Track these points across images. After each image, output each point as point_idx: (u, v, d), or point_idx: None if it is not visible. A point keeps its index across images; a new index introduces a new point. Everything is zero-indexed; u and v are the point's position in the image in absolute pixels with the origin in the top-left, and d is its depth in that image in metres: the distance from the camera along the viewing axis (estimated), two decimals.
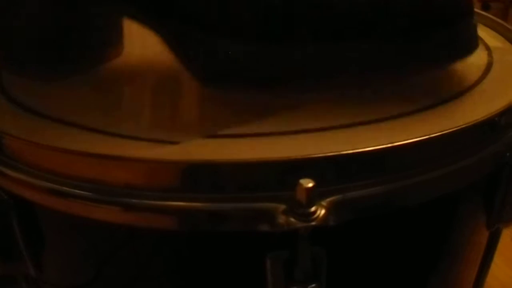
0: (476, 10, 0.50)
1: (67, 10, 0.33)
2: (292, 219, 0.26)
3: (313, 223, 0.26)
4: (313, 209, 0.26)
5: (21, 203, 0.32)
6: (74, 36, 0.34)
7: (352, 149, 0.27)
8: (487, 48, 0.42)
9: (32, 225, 0.33)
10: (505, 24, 0.46)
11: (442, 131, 0.29)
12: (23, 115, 0.33)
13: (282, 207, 0.26)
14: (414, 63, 0.31)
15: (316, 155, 0.27)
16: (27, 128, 0.32)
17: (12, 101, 0.35)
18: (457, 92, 0.34)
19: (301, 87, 0.31)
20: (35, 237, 0.34)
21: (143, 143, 0.30)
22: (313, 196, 0.26)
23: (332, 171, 0.27)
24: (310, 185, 0.25)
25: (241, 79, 0.30)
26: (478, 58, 0.40)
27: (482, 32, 0.45)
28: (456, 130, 0.30)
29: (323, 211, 0.26)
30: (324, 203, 0.26)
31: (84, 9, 0.34)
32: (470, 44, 0.33)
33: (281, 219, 0.26)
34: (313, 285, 0.28)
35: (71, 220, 0.31)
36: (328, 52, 0.29)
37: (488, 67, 0.38)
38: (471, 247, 0.38)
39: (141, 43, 0.40)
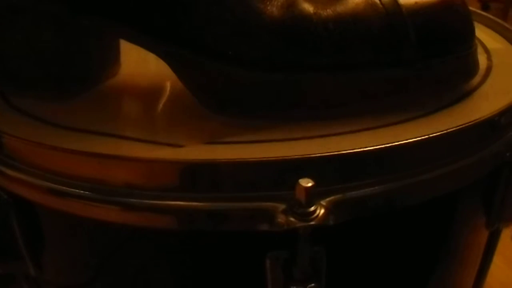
0: (476, 10, 0.50)
1: (69, 38, 0.33)
2: (292, 219, 0.26)
3: (313, 222, 0.26)
4: (312, 208, 0.26)
5: (20, 203, 0.32)
6: (75, 59, 0.34)
7: (352, 149, 0.27)
8: (486, 51, 0.42)
9: (31, 224, 0.33)
10: (504, 24, 0.46)
11: (442, 131, 0.29)
12: (23, 119, 0.33)
13: (282, 206, 0.26)
14: (426, 89, 0.32)
15: (315, 155, 0.27)
16: (27, 128, 0.32)
17: (12, 107, 0.35)
18: (457, 97, 0.34)
19: (314, 115, 0.31)
20: (35, 237, 0.34)
21: (143, 144, 0.30)
22: (313, 196, 0.26)
23: (332, 170, 0.27)
24: (310, 184, 0.25)
25: (249, 107, 0.30)
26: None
27: (482, 33, 0.45)
28: (455, 130, 0.30)
29: (322, 211, 0.26)
30: (323, 202, 0.26)
31: (86, 36, 0.34)
32: (474, 68, 0.34)
33: (281, 218, 0.26)
34: (313, 284, 0.28)
35: (70, 220, 0.31)
36: (343, 82, 0.30)
37: (488, 71, 0.38)
38: (471, 246, 0.38)
39: (137, 56, 0.40)
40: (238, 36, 0.28)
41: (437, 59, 0.31)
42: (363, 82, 0.30)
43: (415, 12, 0.30)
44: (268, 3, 0.29)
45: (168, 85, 0.37)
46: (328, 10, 0.29)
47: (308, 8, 0.29)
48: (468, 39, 0.33)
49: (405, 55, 0.30)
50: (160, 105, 0.35)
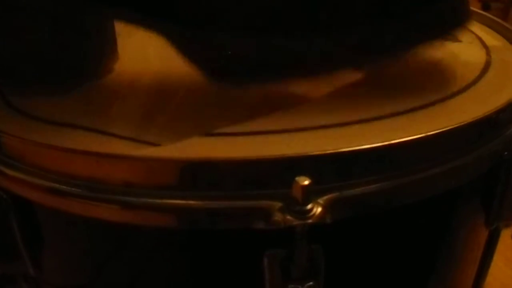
0: (476, 10, 0.50)
1: (67, 29, 0.34)
2: (289, 217, 0.26)
3: (310, 220, 0.26)
4: (309, 206, 0.26)
5: (20, 202, 0.32)
6: (72, 54, 0.35)
7: (349, 147, 0.27)
8: (486, 47, 0.42)
9: (31, 224, 0.34)
10: (505, 24, 0.46)
11: (440, 129, 0.29)
12: (22, 118, 0.33)
13: (279, 204, 0.26)
14: (417, 37, 0.33)
15: (312, 153, 0.27)
16: (26, 127, 0.32)
17: (11, 107, 0.35)
18: (455, 91, 0.34)
19: (306, 76, 0.32)
20: (34, 237, 0.34)
21: (141, 143, 0.30)
22: (310, 194, 0.26)
23: (329, 168, 0.27)
24: (306, 182, 0.25)
25: (246, 72, 0.31)
26: (476, 58, 0.40)
27: (482, 31, 0.45)
28: (453, 128, 0.30)
29: (319, 209, 0.26)
30: (320, 200, 0.26)
31: (83, 24, 0.34)
32: (466, 13, 0.35)
33: (278, 216, 0.26)
34: (311, 282, 0.28)
35: (70, 219, 0.31)
36: (330, 42, 0.30)
37: (486, 66, 0.38)
38: (470, 246, 0.38)
39: (134, 52, 0.40)
40: (234, 6, 0.30)
41: (426, 7, 0.32)
42: (353, 40, 0.31)
43: None
44: None
45: (165, 82, 0.37)
46: None
47: None
48: None
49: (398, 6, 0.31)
50: (157, 101, 0.35)
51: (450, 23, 0.34)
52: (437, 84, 0.36)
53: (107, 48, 0.38)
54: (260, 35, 0.30)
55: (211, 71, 0.32)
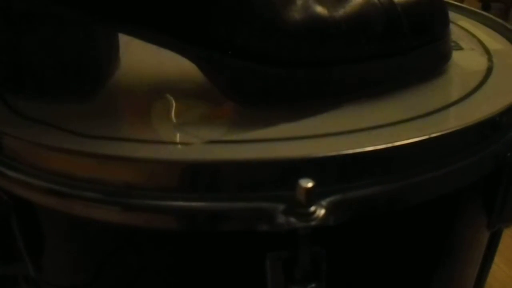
0: (476, 10, 0.50)
1: (85, 39, 0.35)
2: (292, 219, 0.26)
3: (313, 223, 0.26)
4: (312, 209, 0.26)
5: (21, 204, 0.32)
6: (89, 59, 0.36)
7: (352, 149, 0.27)
8: (487, 52, 0.42)
9: (32, 225, 0.33)
10: (505, 24, 0.46)
11: (443, 131, 0.29)
12: (23, 120, 0.33)
13: (282, 207, 0.26)
14: (414, 75, 0.36)
15: (316, 155, 0.27)
16: (27, 129, 0.32)
17: (12, 109, 0.35)
18: (457, 98, 0.34)
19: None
20: (35, 238, 0.34)
21: (143, 144, 0.30)
22: (313, 196, 0.26)
23: (332, 171, 0.27)
24: (310, 185, 0.25)
25: (273, 99, 0.33)
26: (478, 64, 0.40)
27: (482, 33, 0.45)
28: (456, 130, 0.29)
29: (323, 211, 0.26)
30: (324, 203, 0.26)
31: (99, 37, 0.36)
32: (450, 52, 0.39)
33: (281, 219, 0.26)
34: (313, 285, 0.28)
35: (70, 221, 0.31)
36: (350, 72, 0.34)
37: (488, 72, 0.38)
38: (472, 247, 0.38)
39: (135, 54, 0.40)
40: (265, 37, 0.32)
41: (424, 46, 0.36)
42: (366, 71, 0.34)
43: (406, 6, 0.35)
44: (289, 8, 0.32)
45: (166, 85, 0.37)
46: (339, 11, 0.33)
47: (323, 11, 0.33)
48: (446, 27, 0.38)
49: (400, 45, 0.35)
50: (159, 105, 0.35)
51: (439, 61, 0.38)
52: (439, 92, 0.36)
53: (113, 53, 0.38)
54: (286, 66, 0.32)
55: (232, 95, 0.34)
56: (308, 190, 0.25)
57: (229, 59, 0.32)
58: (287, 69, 0.32)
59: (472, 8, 0.51)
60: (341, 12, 0.33)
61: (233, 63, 0.32)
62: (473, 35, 0.45)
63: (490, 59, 0.40)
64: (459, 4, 0.51)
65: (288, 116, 0.32)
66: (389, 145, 0.28)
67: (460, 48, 0.43)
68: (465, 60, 0.40)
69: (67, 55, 0.34)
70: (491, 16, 0.48)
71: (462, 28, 0.47)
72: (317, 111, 0.33)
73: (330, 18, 0.33)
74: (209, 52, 0.32)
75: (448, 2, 0.50)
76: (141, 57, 0.40)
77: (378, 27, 0.34)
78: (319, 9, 0.33)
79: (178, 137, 0.30)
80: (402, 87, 0.36)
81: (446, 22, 0.37)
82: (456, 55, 0.41)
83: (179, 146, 0.29)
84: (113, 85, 0.37)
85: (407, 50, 0.35)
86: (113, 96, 0.36)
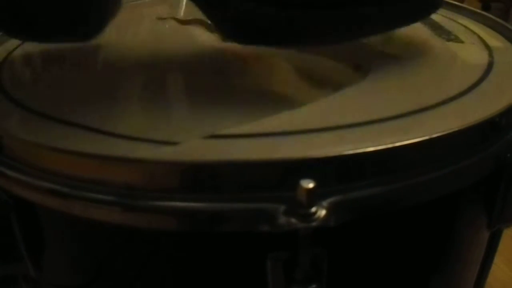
0: (476, 10, 0.50)
1: None
2: (293, 220, 0.26)
3: (314, 223, 0.26)
4: (313, 209, 0.26)
5: (21, 204, 0.32)
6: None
7: (353, 150, 0.27)
8: (488, 48, 0.42)
9: (32, 226, 0.33)
10: (506, 24, 0.46)
11: (443, 132, 0.29)
12: (22, 114, 0.33)
13: (283, 207, 0.26)
14: (395, 21, 0.37)
15: (317, 156, 0.27)
16: (27, 128, 0.32)
17: (11, 100, 0.35)
18: (457, 93, 0.34)
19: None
20: (35, 238, 0.34)
21: (143, 143, 0.30)
22: (314, 197, 0.26)
23: (333, 171, 0.27)
24: (311, 185, 0.25)
25: (266, 36, 0.35)
26: (478, 59, 0.40)
27: (483, 32, 0.45)
28: (456, 130, 0.29)
29: (324, 212, 0.26)
30: (325, 203, 0.26)
31: None
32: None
33: (282, 219, 0.26)
34: (314, 286, 0.28)
35: (71, 221, 0.31)
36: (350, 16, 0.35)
37: (489, 67, 0.38)
38: (472, 247, 0.38)
39: (138, 38, 0.40)
40: None
41: None
42: (365, 15, 0.35)
43: None
44: None
45: (165, 77, 0.37)
46: None
47: None
48: None
49: None
50: (158, 98, 0.35)
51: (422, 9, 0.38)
52: (439, 85, 0.35)
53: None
54: (276, 6, 0.33)
55: (228, 31, 0.36)
56: (309, 190, 0.25)
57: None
58: (275, 8, 0.33)
59: (472, 8, 0.51)
60: None
61: (231, 2, 0.34)
62: (474, 32, 0.45)
63: (491, 54, 0.40)
64: (459, 4, 0.51)
65: (288, 105, 0.32)
66: (390, 145, 0.28)
67: (461, 42, 0.43)
68: (466, 53, 0.40)
69: None
70: (491, 16, 0.48)
71: (462, 25, 0.47)
72: (317, 102, 0.33)
73: None
74: None
75: (448, 2, 0.50)
76: (139, 45, 0.40)
77: None
78: None
79: (177, 135, 0.30)
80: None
81: None
82: (456, 48, 0.41)
83: (179, 145, 0.29)
84: (112, 73, 0.38)
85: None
86: (111, 89, 0.36)
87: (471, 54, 0.40)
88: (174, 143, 0.29)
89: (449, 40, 0.43)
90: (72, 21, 0.36)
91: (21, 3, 0.35)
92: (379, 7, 0.35)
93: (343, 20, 0.35)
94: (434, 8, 0.39)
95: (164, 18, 0.48)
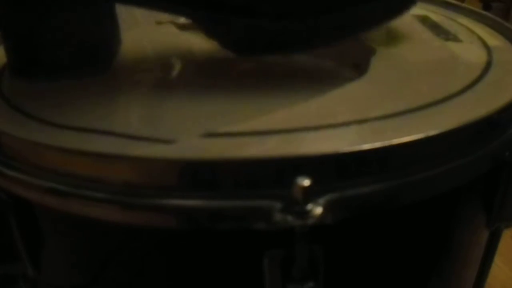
0: (476, 9, 0.50)
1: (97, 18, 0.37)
2: (289, 217, 0.26)
3: (310, 221, 0.26)
4: (309, 207, 0.26)
5: (20, 203, 0.32)
6: (101, 40, 0.38)
7: (349, 148, 0.27)
8: (487, 47, 0.42)
9: (31, 225, 0.33)
10: (506, 24, 0.46)
11: (441, 130, 0.29)
12: (21, 118, 0.33)
13: (279, 205, 0.26)
14: (371, 22, 0.38)
15: (313, 153, 0.27)
16: (25, 127, 0.32)
17: (12, 107, 0.35)
18: (456, 91, 0.34)
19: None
20: (34, 237, 0.34)
21: (141, 142, 0.30)
22: (310, 194, 0.26)
23: (329, 169, 0.27)
24: (307, 183, 0.25)
25: (266, 48, 0.37)
26: (477, 58, 0.40)
27: (483, 31, 0.45)
28: (454, 128, 0.29)
29: (320, 209, 0.26)
30: (321, 201, 0.26)
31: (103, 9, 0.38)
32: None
33: (278, 217, 0.26)
34: (311, 283, 0.28)
35: (69, 219, 0.31)
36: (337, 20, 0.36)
37: (488, 66, 0.38)
38: (471, 246, 0.38)
39: (134, 40, 0.41)
40: None
41: None
42: (348, 17, 0.36)
43: None
44: None
45: (163, 77, 0.37)
46: None
47: None
48: None
49: None
50: (155, 96, 0.35)
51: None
52: (437, 84, 0.35)
53: (117, 33, 0.40)
54: (271, 19, 0.35)
55: (229, 46, 0.38)
56: (305, 188, 0.25)
57: (225, 16, 0.35)
58: (271, 22, 0.35)
59: (472, 8, 0.51)
60: None
61: (231, 20, 0.35)
62: (473, 32, 0.45)
63: (489, 53, 0.40)
64: (459, 4, 0.51)
65: (285, 103, 0.33)
66: (387, 143, 0.28)
67: (459, 41, 0.43)
68: (464, 52, 0.40)
69: (78, 36, 0.37)
70: (490, 15, 0.48)
71: (461, 24, 0.47)
72: (314, 100, 0.33)
73: None
74: (205, 12, 0.35)
75: (448, 2, 0.50)
76: (138, 49, 0.41)
77: None
78: None
79: (175, 133, 0.30)
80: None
81: None
82: (454, 47, 0.41)
83: (176, 143, 0.29)
84: (112, 76, 0.38)
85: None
86: (110, 89, 0.36)
87: (469, 53, 0.40)
88: (172, 141, 0.29)
89: (447, 39, 0.43)
90: (81, 63, 0.37)
91: (37, 47, 0.37)
92: (360, 7, 0.36)
93: (327, 26, 0.36)
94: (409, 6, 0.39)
95: (163, 23, 0.48)
